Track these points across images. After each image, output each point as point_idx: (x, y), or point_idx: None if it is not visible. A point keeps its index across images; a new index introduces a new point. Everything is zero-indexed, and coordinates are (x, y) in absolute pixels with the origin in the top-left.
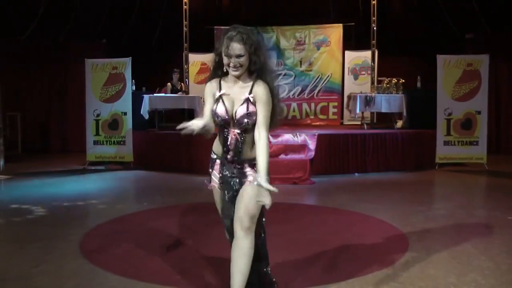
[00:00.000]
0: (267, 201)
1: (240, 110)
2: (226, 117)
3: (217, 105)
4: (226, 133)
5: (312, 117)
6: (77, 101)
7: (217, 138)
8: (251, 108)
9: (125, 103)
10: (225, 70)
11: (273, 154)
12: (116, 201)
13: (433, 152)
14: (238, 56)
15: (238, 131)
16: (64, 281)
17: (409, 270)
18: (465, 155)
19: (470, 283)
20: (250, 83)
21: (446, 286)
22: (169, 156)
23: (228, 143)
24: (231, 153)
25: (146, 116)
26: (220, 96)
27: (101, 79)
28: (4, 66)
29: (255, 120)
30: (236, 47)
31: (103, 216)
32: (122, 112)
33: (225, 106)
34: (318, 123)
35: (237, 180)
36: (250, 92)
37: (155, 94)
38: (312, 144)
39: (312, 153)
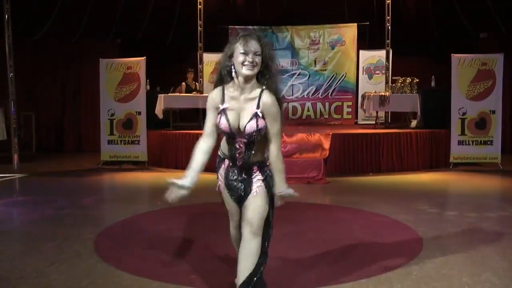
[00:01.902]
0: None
1: (249, 127)
2: (229, 131)
3: (220, 118)
4: (233, 141)
5: (326, 116)
6: (91, 100)
7: (225, 138)
8: (261, 123)
9: (139, 103)
10: (233, 75)
11: (287, 154)
12: (130, 200)
13: (448, 151)
14: (255, 53)
15: (246, 141)
16: (79, 280)
17: (423, 270)
18: (480, 154)
19: (484, 283)
20: (258, 93)
21: (461, 286)
22: (183, 156)
23: (237, 151)
24: (239, 160)
25: (161, 116)
26: (223, 110)
27: (115, 79)
28: (18, 66)
29: (265, 132)
30: (254, 44)
31: (117, 216)
32: (136, 112)
33: (228, 121)
34: (332, 123)
35: (243, 186)
36: (258, 106)
37: (169, 94)
38: (326, 144)
39: (326, 153)
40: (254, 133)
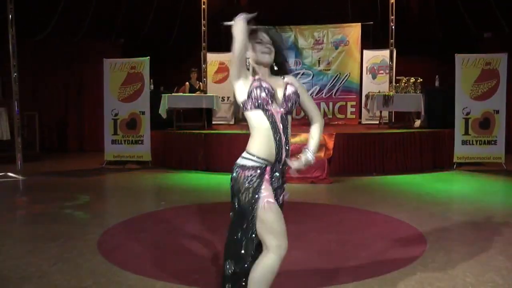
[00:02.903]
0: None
1: (289, 90)
2: (271, 91)
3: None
4: (272, 117)
5: (330, 116)
6: (95, 100)
7: (260, 138)
8: (293, 89)
9: (143, 103)
10: (247, 66)
11: (290, 154)
12: (133, 200)
13: (451, 151)
14: (268, 42)
15: (284, 111)
16: (82, 280)
17: (427, 270)
18: (483, 154)
19: (488, 283)
20: (280, 79)
21: (464, 286)
22: (186, 156)
23: (280, 128)
24: (284, 151)
25: (164, 116)
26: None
27: (119, 79)
28: (21, 66)
29: (295, 104)
30: (265, 35)
31: (121, 215)
32: (140, 112)
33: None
34: (336, 123)
35: (280, 190)
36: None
37: (173, 94)
38: (330, 144)
39: (330, 153)
40: (293, 95)
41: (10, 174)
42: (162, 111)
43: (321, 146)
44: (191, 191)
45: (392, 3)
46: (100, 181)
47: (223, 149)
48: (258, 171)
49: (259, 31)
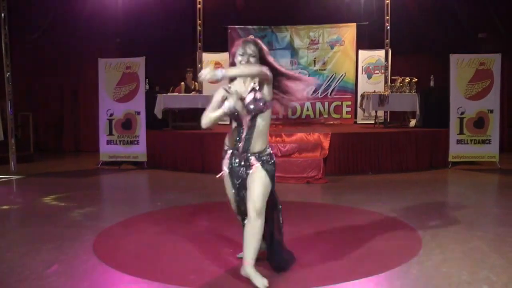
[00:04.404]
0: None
1: (248, 98)
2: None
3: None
4: (240, 123)
5: (325, 116)
6: (90, 100)
7: (231, 131)
8: (258, 95)
9: (138, 103)
10: None
11: (286, 153)
12: (129, 201)
13: (446, 150)
14: (250, 55)
15: (249, 117)
16: (78, 282)
17: (422, 268)
18: (478, 153)
19: (483, 280)
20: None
21: (460, 284)
22: (182, 156)
23: (243, 132)
24: (242, 143)
25: (160, 116)
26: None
27: (114, 79)
28: (16, 65)
29: (263, 107)
30: (251, 48)
31: (117, 216)
32: (135, 112)
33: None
34: (331, 122)
35: (244, 169)
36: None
37: (168, 94)
38: (325, 143)
39: (325, 152)
40: (251, 104)
41: (3, 175)
42: (158, 111)
43: (317, 145)
44: (187, 192)
45: (388, 3)
46: (96, 182)
47: (219, 149)
48: (224, 152)
49: (247, 43)
